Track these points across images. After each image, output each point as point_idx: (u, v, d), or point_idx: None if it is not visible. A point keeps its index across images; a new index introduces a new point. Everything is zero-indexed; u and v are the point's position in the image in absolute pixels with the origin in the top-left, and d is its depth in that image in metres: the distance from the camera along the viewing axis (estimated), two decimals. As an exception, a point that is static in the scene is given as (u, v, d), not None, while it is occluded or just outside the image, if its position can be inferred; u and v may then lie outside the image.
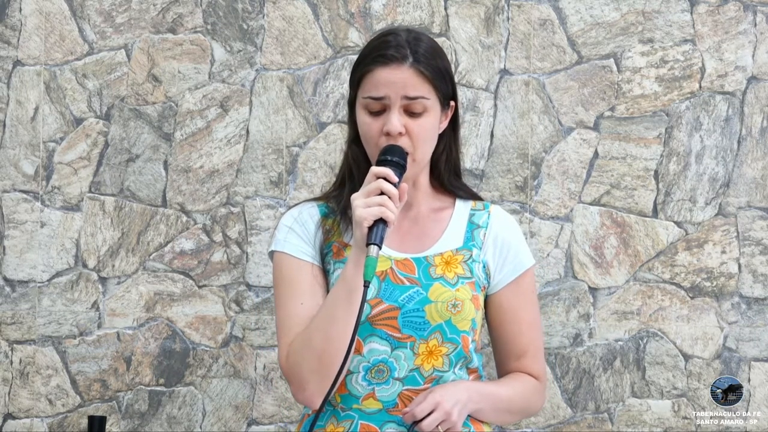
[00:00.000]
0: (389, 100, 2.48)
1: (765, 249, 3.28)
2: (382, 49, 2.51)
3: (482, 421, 2.57)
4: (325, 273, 2.55)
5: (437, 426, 2.45)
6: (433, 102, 2.51)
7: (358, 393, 2.51)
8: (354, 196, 2.41)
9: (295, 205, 2.65)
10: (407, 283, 2.51)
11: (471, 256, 2.57)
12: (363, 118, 2.52)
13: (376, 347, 2.50)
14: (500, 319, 2.61)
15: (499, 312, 2.60)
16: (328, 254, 2.56)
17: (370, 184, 2.39)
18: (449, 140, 2.61)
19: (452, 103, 2.58)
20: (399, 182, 2.41)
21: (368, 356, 2.50)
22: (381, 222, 2.37)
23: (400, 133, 2.48)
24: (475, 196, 2.65)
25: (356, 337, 2.45)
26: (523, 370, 2.61)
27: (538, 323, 2.64)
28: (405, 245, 2.57)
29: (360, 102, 2.53)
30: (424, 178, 2.60)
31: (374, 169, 2.41)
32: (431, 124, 2.51)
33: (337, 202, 2.58)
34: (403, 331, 2.49)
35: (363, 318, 2.47)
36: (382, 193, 2.38)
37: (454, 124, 2.61)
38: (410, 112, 2.49)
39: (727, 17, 3.29)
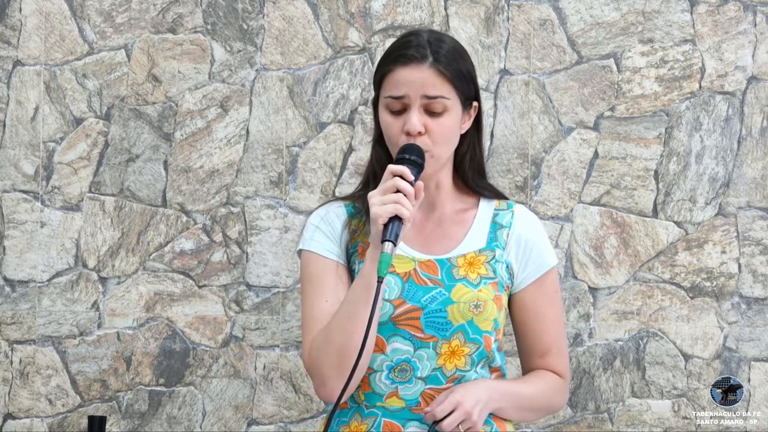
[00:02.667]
0: (409, 99, 2.51)
1: (765, 249, 3.28)
2: (403, 49, 2.54)
3: (505, 419, 2.58)
4: (351, 272, 2.57)
5: (458, 426, 2.46)
6: (453, 102, 2.53)
7: (381, 391, 2.53)
8: (371, 193, 2.43)
9: (323, 204, 2.68)
10: (430, 284, 2.53)
11: (494, 256, 2.59)
12: (384, 117, 2.54)
13: (399, 347, 2.52)
14: (524, 318, 2.63)
15: (522, 311, 2.63)
16: (353, 254, 2.58)
17: (386, 182, 2.42)
18: (473, 140, 2.63)
19: (475, 103, 2.60)
20: (416, 180, 2.44)
21: (391, 355, 2.52)
22: (396, 219, 2.39)
23: (420, 133, 2.50)
24: (500, 195, 2.67)
25: (377, 335, 2.48)
26: (547, 367, 2.64)
27: (561, 321, 2.67)
28: (428, 247, 2.58)
29: (382, 101, 2.55)
30: (448, 179, 2.62)
31: (391, 167, 2.43)
32: (451, 123, 2.53)
33: (362, 203, 2.59)
34: (425, 331, 2.51)
35: (386, 318, 2.50)
36: (398, 191, 2.40)
37: (477, 124, 2.63)
38: (430, 112, 2.52)
39: (727, 17, 3.29)
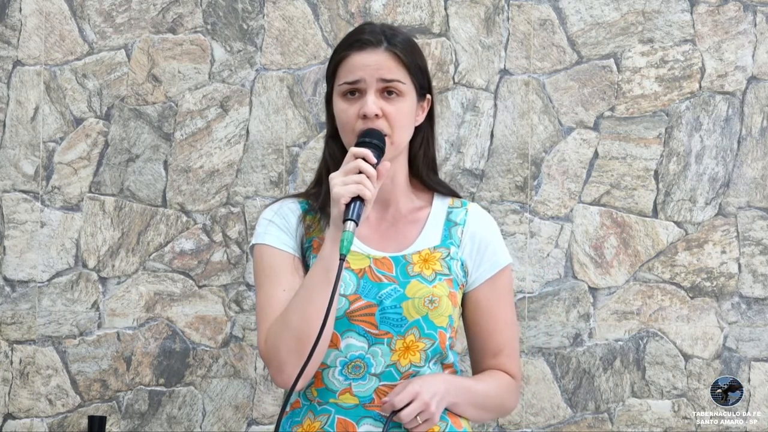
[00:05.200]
0: (365, 83, 2.50)
1: (765, 249, 3.28)
2: (356, 36, 2.54)
3: (459, 416, 2.57)
4: (306, 267, 2.55)
5: (416, 416, 2.45)
6: (408, 87, 2.53)
7: (334, 387, 2.52)
8: (332, 174, 2.42)
9: (276, 200, 2.66)
10: (385, 281, 2.52)
11: (449, 253, 2.58)
12: (340, 105, 2.53)
13: (354, 343, 2.50)
14: (477, 317, 2.61)
15: (476, 309, 2.61)
16: (308, 249, 2.57)
17: (348, 164, 2.41)
18: (427, 135, 2.62)
19: (429, 96, 2.59)
20: (377, 163, 2.43)
21: (345, 351, 2.51)
22: (358, 199, 2.38)
23: (377, 115, 2.49)
24: (453, 193, 2.66)
25: (333, 330, 2.47)
26: (499, 368, 2.61)
27: (515, 322, 2.64)
28: (384, 244, 2.57)
29: (336, 91, 2.54)
30: (403, 175, 2.60)
31: (353, 150, 2.42)
32: (408, 108, 2.53)
33: (315, 200, 2.58)
34: (380, 327, 2.50)
35: (341, 313, 2.49)
36: (360, 172, 2.39)
37: (430, 119, 2.62)
38: (386, 96, 2.51)
39: (727, 17, 3.29)
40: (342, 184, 2.39)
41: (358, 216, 2.37)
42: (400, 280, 2.53)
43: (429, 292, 2.52)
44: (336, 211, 2.39)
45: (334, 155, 2.59)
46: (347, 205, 2.38)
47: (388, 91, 2.51)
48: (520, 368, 2.66)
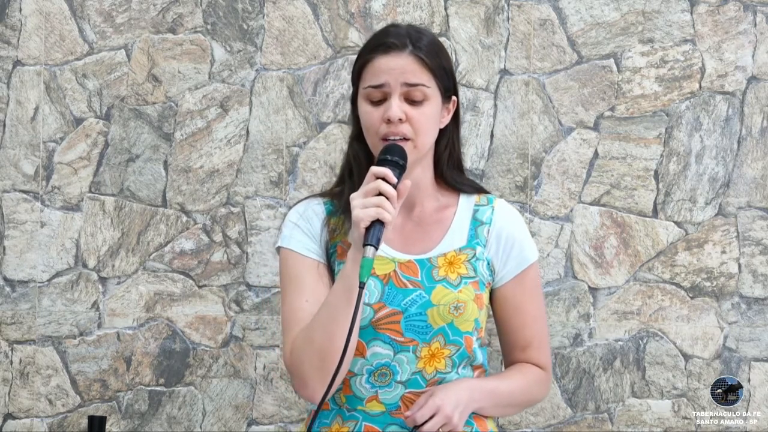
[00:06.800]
0: (389, 87, 2.50)
1: (765, 249, 3.28)
2: (382, 38, 2.54)
3: (485, 417, 2.58)
4: (331, 271, 2.56)
5: (438, 429, 2.45)
6: (433, 91, 2.52)
7: (362, 395, 2.52)
8: (353, 195, 2.41)
9: (302, 200, 2.66)
10: (410, 287, 2.51)
11: (475, 254, 2.57)
12: (364, 107, 2.53)
13: (379, 351, 2.51)
14: (505, 312, 2.62)
15: (504, 305, 2.62)
16: (333, 254, 2.57)
17: (368, 185, 2.40)
18: (452, 136, 2.62)
19: (454, 98, 2.59)
20: (398, 182, 2.42)
21: (371, 359, 2.51)
22: (378, 223, 2.37)
23: (401, 120, 2.48)
24: (480, 190, 2.66)
25: (357, 339, 2.46)
26: (529, 360, 2.63)
27: (543, 315, 2.66)
28: (409, 247, 2.57)
29: (361, 93, 2.54)
30: (428, 178, 2.60)
31: (373, 169, 2.41)
32: (432, 112, 2.52)
33: (339, 201, 2.58)
34: (405, 335, 2.50)
35: (366, 322, 2.49)
36: (380, 194, 2.38)
37: (455, 120, 2.62)
38: (411, 100, 2.51)
39: (727, 17, 3.29)
40: (362, 207, 2.38)
41: (378, 240, 2.36)
42: (425, 285, 2.52)
43: (454, 298, 2.52)
44: (356, 234, 2.39)
45: (357, 157, 2.59)
46: (367, 229, 2.37)
47: (412, 95, 2.51)
48: (550, 358, 2.69)
